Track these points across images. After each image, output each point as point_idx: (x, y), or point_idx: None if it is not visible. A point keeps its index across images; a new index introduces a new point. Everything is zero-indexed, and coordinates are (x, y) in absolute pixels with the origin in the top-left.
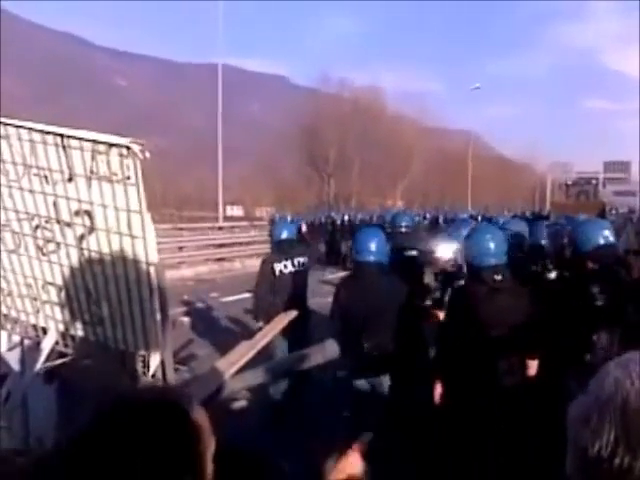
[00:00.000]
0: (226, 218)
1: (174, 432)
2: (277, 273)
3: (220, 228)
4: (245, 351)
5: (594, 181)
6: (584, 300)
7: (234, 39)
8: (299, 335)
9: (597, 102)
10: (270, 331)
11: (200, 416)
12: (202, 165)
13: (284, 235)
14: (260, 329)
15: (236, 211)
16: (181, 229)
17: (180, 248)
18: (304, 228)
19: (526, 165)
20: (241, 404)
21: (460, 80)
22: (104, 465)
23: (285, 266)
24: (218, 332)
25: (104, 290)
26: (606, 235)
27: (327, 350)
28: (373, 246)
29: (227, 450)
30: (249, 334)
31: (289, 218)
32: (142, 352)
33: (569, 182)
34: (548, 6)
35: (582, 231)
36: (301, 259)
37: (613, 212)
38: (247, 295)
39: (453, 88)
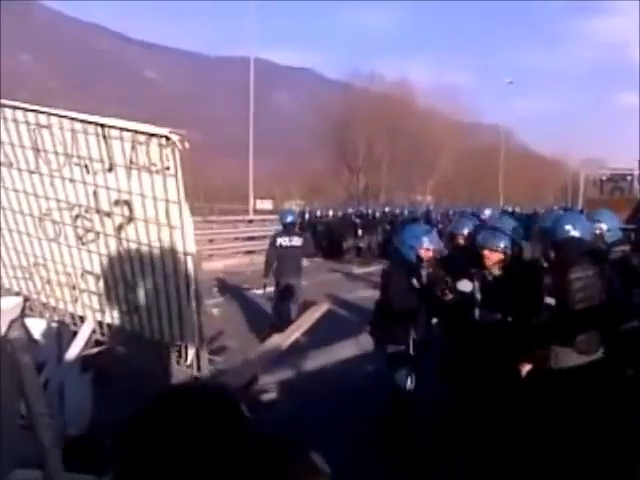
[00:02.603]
0: (256, 211)
1: (226, 423)
2: (278, 245)
3: (250, 221)
4: (279, 343)
5: (629, 177)
6: None
7: (264, 32)
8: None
9: (630, 97)
10: (303, 324)
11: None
12: (232, 158)
13: (288, 219)
14: (265, 285)
15: (265, 205)
16: (211, 221)
17: (210, 240)
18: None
19: (558, 161)
20: (271, 396)
21: (492, 74)
22: (159, 452)
23: (285, 241)
24: (248, 324)
25: (141, 280)
26: None
27: (361, 342)
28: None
29: (263, 438)
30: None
31: (295, 209)
32: (177, 342)
33: (603, 178)
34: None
35: None
36: (297, 238)
37: None
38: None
39: (485, 82)
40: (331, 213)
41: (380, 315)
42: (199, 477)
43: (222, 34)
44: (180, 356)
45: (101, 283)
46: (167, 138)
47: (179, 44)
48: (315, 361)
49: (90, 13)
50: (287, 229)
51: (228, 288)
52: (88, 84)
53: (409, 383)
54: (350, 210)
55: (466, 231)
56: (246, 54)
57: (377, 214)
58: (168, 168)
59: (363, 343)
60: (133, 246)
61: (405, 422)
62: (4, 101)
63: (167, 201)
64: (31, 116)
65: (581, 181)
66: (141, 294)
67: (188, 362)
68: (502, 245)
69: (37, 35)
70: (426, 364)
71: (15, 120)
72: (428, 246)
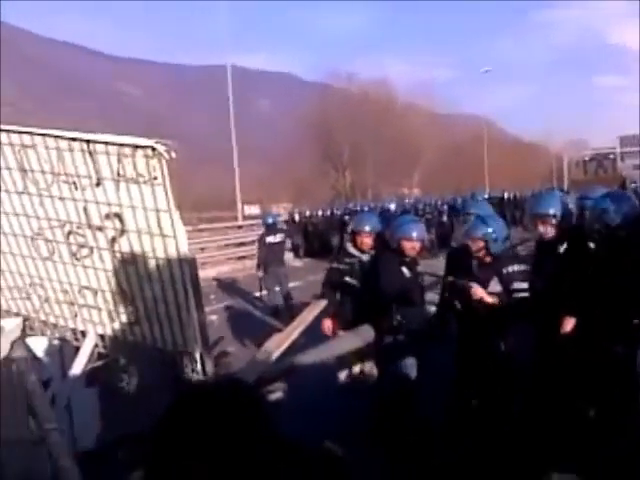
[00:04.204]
0: (244, 217)
1: (249, 418)
2: (266, 243)
3: (240, 227)
4: (280, 342)
5: (611, 156)
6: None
7: (238, 38)
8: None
9: (607, 79)
10: (301, 323)
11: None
12: (217, 167)
13: (269, 221)
14: (261, 278)
15: (253, 210)
16: (201, 230)
17: (202, 249)
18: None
19: (541, 146)
20: (278, 396)
21: (469, 65)
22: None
23: (270, 238)
24: (245, 328)
25: (139, 290)
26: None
27: (364, 333)
28: None
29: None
30: (276, 327)
31: (278, 212)
32: (181, 349)
33: (586, 158)
34: None
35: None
36: (280, 235)
37: (633, 185)
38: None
39: (463, 74)
40: (320, 213)
41: (366, 306)
42: (223, 471)
43: (197, 43)
44: (184, 363)
45: (99, 297)
46: (153, 149)
47: (154, 56)
48: (317, 356)
49: (62, 32)
50: (270, 229)
51: (224, 295)
52: (63, 103)
53: (413, 373)
54: (337, 209)
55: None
56: (223, 62)
57: (365, 210)
58: (156, 178)
59: (364, 334)
60: (128, 258)
61: (408, 415)
62: None
63: (157, 210)
64: (15, 137)
65: (565, 163)
66: (140, 304)
67: (193, 368)
68: (480, 233)
69: (5, 56)
70: (432, 357)
71: None
72: (416, 236)
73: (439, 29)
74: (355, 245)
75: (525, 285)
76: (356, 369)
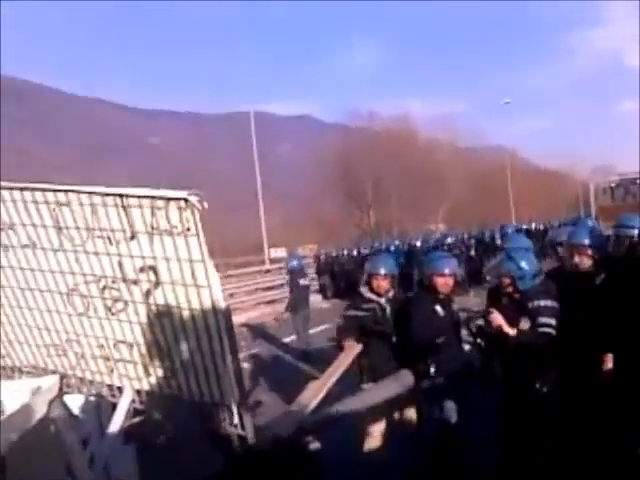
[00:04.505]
0: (271, 260)
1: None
2: (296, 285)
3: (267, 271)
4: (316, 390)
5: (639, 181)
6: None
7: (257, 84)
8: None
9: (631, 104)
10: (337, 368)
11: None
12: (241, 211)
13: (294, 264)
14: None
15: (280, 252)
16: (230, 276)
17: (231, 295)
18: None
19: (567, 174)
20: (315, 446)
21: (489, 97)
22: None
23: (301, 280)
24: (277, 375)
25: (175, 342)
26: None
27: (404, 379)
28: None
29: None
30: (308, 373)
31: (300, 253)
32: (217, 402)
33: (612, 185)
34: (565, 14)
35: None
36: (304, 279)
37: None
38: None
39: (483, 106)
40: (346, 252)
41: (400, 350)
42: None
43: (219, 92)
44: (222, 415)
45: (135, 351)
46: (186, 200)
47: (179, 107)
48: (355, 404)
49: (88, 89)
50: (294, 272)
51: (254, 341)
52: (93, 159)
53: (453, 417)
54: (364, 248)
55: None
56: (244, 109)
57: (391, 248)
58: (189, 229)
59: (403, 379)
60: (163, 310)
61: (450, 460)
62: (25, 184)
63: (191, 261)
64: (50, 195)
65: (591, 190)
66: (176, 357)
67: (231, 421)
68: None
69: (37, 116)
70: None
71: (35, 201)
72: (448, 272)
73: (457, 63)
74: (371, 289)
75: (552, 321)
76: (396, 416)
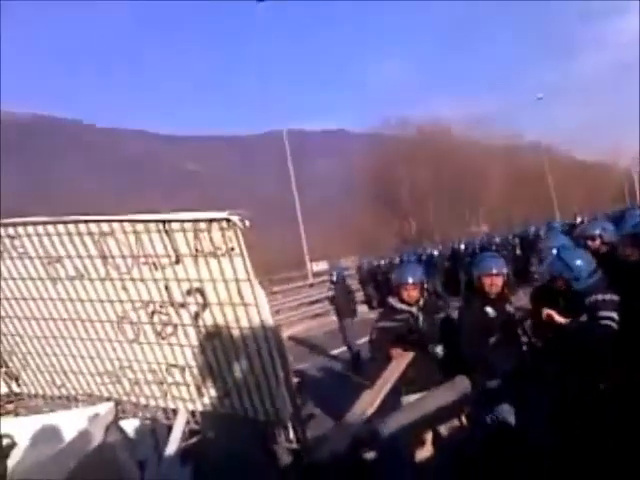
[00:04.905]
0: (314, 275)
1: None
2: (341, 295)
3: (311, 285)
4: (370, 400)
5: None
6: None
7: (291, 103)
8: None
9: None
10: (390, 377)
11: None
12: (281, 229)
13: (335, 276)
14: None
15: (321, 266)
16: (274, 293)
17: (277, 312)
18: None
19: (609, 164)
20: (371, 455)
21: (521, 93)
22: None
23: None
24: (327, 389)
25: (225, 362)
26: None
27: (459, 385)
28: None
29: None
30: (358, 385)
31: (343, 265)
32: (272, 419)
33: None
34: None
35: None
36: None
37: None
38: (345, 348)
39: (515, 103)
40: (388, 261)
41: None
42: None
43: (251, 113)
44: (277, 431)
45: (187, 373)
46: (228, 220)
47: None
48: (414, 413)
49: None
50: (339, 283)
51: (302, 355)
52: (137, 191)
53: (510, 419)
54: (408, 255)
55: None
56: (278, 127)
57: (435, 253)
58: (233, 249)
59: (459, 386)
60: (212, 331)
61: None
62: (68, 217)
63: (237, 280)
64: (93, 226)
65: (635, 179)
66: (228, 376)
67: (286, 437)
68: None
69: (85, 151)
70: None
71: (79, 233)
72: (495, 271)
73: (484, 63)
74: (401, 299)
75: (613, 314)
76: (455, 423)
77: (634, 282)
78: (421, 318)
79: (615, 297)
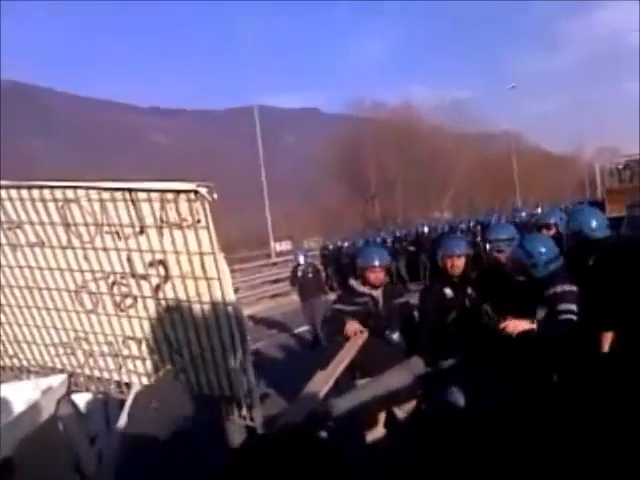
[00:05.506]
0: (277, 254)
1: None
2: (301, 275)
3: (274, 264)
4: (324, 379)
5: None
6: None
7: (261, 79)
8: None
9: (633, 85)
10: (345, 357)
11: None
12: (246, 207)
13: (300, 257)
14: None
15: (285, 246)
16: (235, 271)
17: (236, 290)
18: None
19: (573, 157)
20: (325, 434)
21: (494, 82)
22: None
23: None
24: (282, 369)
25: (184, 338)
26: None
27: (413, 366)
28: None
29: None
30: (314, 366)
31: (305, 246)
32: (227, 394)
33: (620, 166)
34: None
35: None
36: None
37: None
38: (306, 327)
39: (488, 91)
40: (351, 243)
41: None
42: None
43: (223, 87)
44: (231, 408)
45: (144, 347)
46: (195, 192)
47: (183, 104)
48: (366, 393)
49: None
50: (301, 265)
51: (260, 334)
52: (100, 159)
53: (460, 401)
54: (371, 237)
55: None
56: (249, 103)
57: (399, 237)
58: (199, 221)
59: (414, 367)
60: (172, 305)
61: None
62: (33, 182)
63: (201, 254)
64: (58, 193)
65: (597, 172)
66: (186, 352)
67: (240, 414)
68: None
69: (46, 117)
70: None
71: (43, 199)
72: (458, 253)
73: (459, 49)
74: (365, 282)
75: (573, 307)
76: (410, 404)
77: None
78: (381, 302)
79: (574, 287)
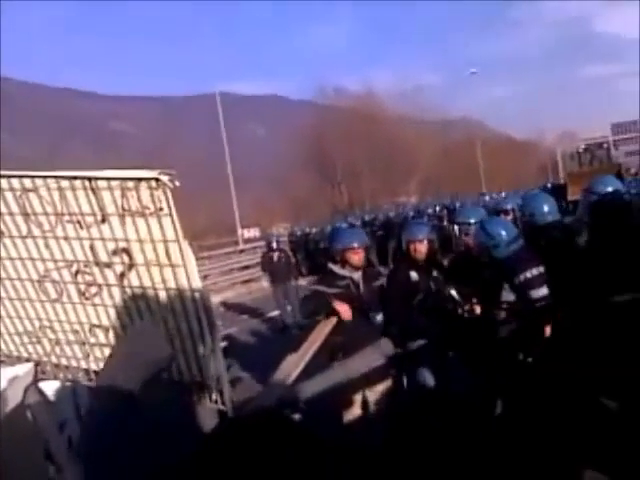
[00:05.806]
0: (245, 241)
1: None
2: (271, 260)
3: (242, 251)
4: (295, 363)
5: (605, 145)
6: None
7: (222, 66)
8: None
9: (594, 68)
10: (315, 340)
11: None
12: (212, 193)
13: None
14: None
15: (253, 232)
16: (203, 258)
17: (205, 277)
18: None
19: (534, 142)
20: (297, 416)
21: (455, 69)
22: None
23: (276, 257)
24: (255, 353)
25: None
26: None
27: (384, 347)
28: None
29: None
30: (286, 349)
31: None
32: (197, 380)
33: (580, 150)
34: None
35: None
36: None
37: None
38: (277, 312)
39: (449, 78)
40: (319, 229)
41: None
42: None
43: (184, 74)
44: (202, 393)
45: (111, 334)
46: (157, 180)
47: (144, 91)
48: (336, 375)
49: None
50: (272, 249)
51: (231, 320)
52: (57, 148)
53: (430, 382)
54: (339, 223)
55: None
56: (210, 90)
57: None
58: (162, 209)
59: (384, 348)
60: (138, 292)
61: (421, 425)
62: None
63: (165, 241)
64: (16, 182)
65: (558, 157)
66: None
67: (211, 398)
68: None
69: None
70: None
71: (0, 189)
72: (421, 237)
73: (420, 35)
74: (344, 264)
75: (545, 291)
76: (383, 385)
77: None
78: (362, 284)
79: (541, 268)
